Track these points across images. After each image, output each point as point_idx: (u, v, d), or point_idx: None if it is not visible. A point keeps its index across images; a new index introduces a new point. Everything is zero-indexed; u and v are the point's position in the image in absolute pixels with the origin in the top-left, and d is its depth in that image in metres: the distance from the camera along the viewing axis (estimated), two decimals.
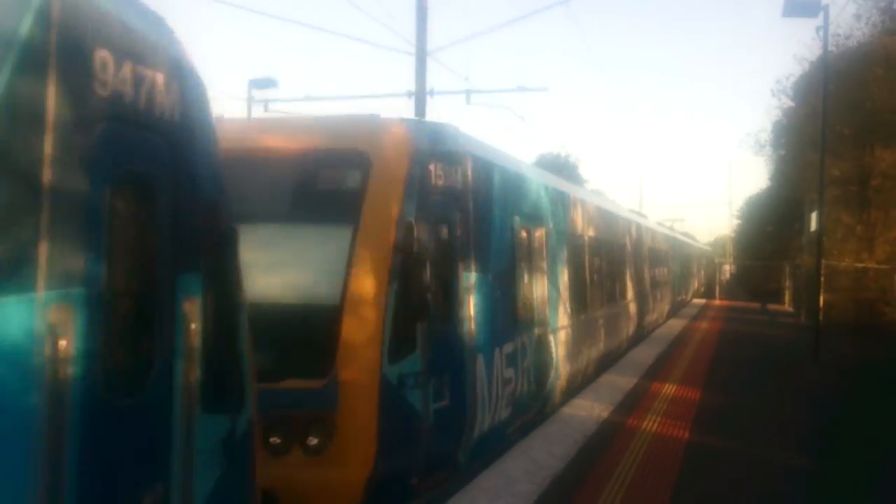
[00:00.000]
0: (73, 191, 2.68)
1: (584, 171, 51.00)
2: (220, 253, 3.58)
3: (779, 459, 8.38)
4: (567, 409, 10.52)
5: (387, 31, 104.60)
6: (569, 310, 11.27)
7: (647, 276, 21.66)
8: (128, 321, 3.13)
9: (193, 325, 3.38)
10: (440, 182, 6.86)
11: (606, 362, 14.38)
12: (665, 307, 27.16)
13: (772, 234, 42.42)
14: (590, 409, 10.65)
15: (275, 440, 5.35)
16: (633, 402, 11.29)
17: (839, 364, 16.40)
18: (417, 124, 7.82)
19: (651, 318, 22.35)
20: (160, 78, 3.16)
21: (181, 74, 3.34)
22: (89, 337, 2.71)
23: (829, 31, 17.05)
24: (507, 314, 8.48)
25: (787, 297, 36.52)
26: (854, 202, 25.11)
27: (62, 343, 2.56)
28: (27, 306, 2.47)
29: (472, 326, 7.28)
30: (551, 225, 10.58)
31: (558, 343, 10.51)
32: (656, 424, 9.91)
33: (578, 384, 12.06)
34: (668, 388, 12.64)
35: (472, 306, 7.28)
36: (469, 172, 7.47)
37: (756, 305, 37.42)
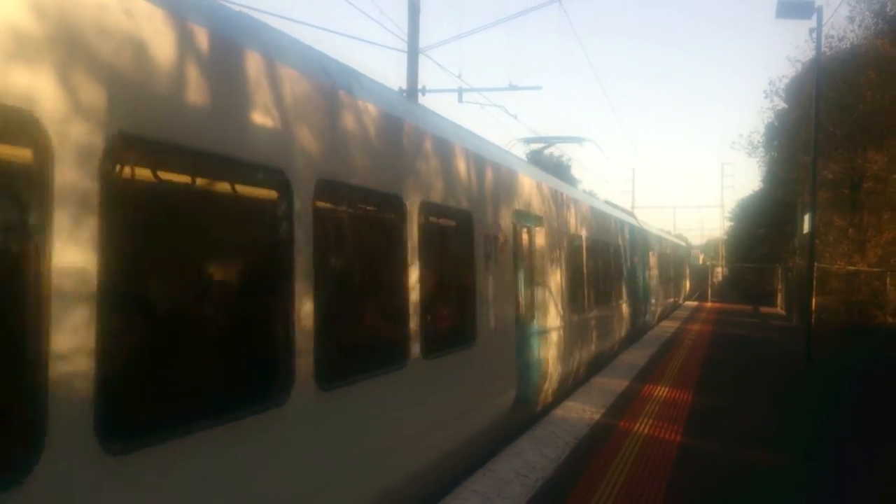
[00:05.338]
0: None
1: (576, 172, 51.08)
2: None
3: (771, 462, 8.31)
4: (559, 412, 10.44)
5: (379, 27, 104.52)
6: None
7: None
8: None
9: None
10: None
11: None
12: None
13: (764, 236, 42.46)
14: (581, 411, 10.57)
15: None
16: (624, 405, 11.21)
17: (831, 367, 16.37)
18: None
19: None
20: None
21: None
22: None
23: (822, 33, 17.04)
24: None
25: (778, 300, 36.56)
26: (846, 205, 25.15)
27: None
28: None
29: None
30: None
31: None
32: (648, 427, 9.83)
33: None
34: (660, 391, 12.56)
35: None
36: None
37: (748, 308, 37.42)
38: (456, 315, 7.62)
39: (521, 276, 9.77)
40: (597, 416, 10.25)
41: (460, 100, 18.48)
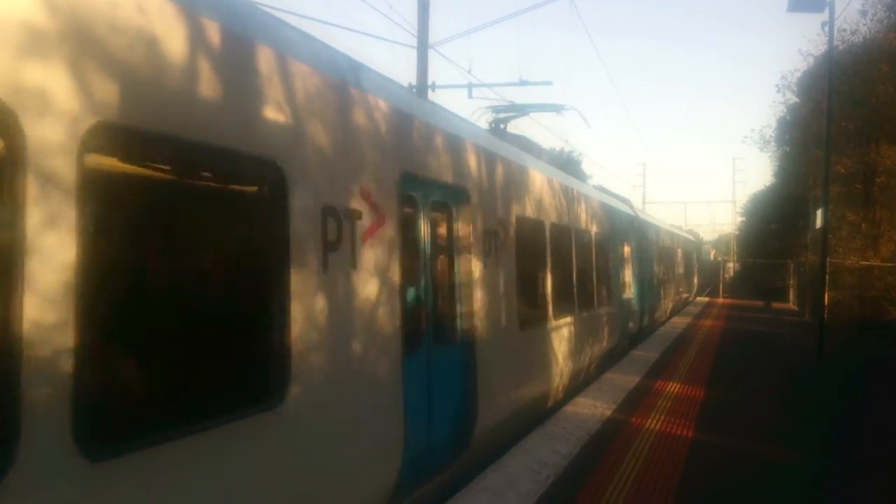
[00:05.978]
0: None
1: (586, 167, 51.01)
2: None
3: (782, 458, 8.29)
4: (570, 407, 10.45)
5: (388, 22, 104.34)
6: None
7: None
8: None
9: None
10: None
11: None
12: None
13: (776, 231, 42.21)
14: (592, 407, 10.57)
15: None
16: (636, 400, 11.20)
17: (843, 363, 16.30)
18: None
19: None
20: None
21: None
22: None
23: (834, 27, 16.92)
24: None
25: (791, 296, 36.38)
26: (859, 200, 25.00)
27: None
28: None
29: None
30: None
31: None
32: (660, 422, 9.83)
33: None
34: (672, 386, 12.55)
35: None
36: None
37: (760, 303, 37.25)
38: (226, 354, 4.10)
39: (425, 276, 6.69)
40: (608, 412, 10.25)
41: (470, 95, 18.48)
